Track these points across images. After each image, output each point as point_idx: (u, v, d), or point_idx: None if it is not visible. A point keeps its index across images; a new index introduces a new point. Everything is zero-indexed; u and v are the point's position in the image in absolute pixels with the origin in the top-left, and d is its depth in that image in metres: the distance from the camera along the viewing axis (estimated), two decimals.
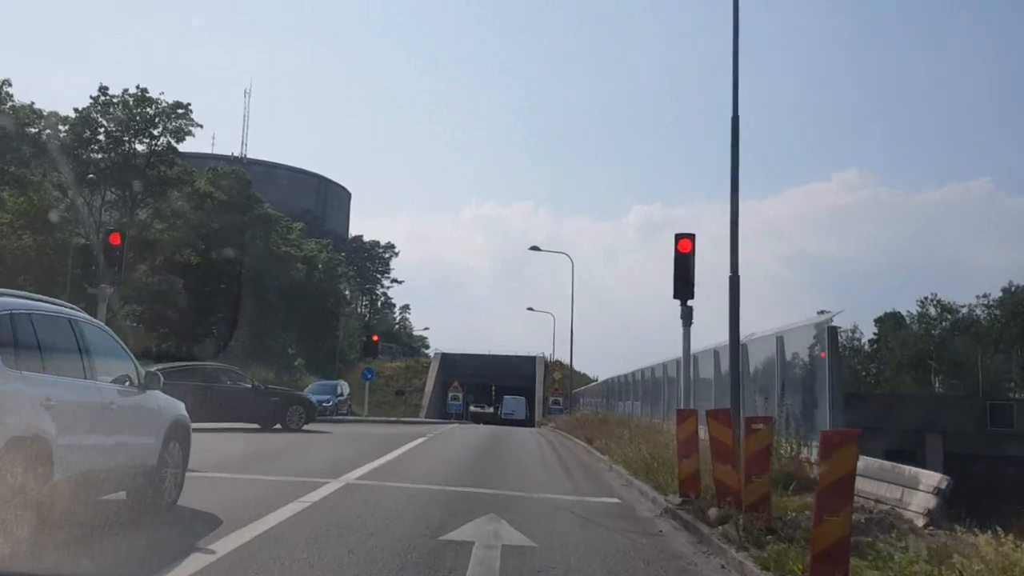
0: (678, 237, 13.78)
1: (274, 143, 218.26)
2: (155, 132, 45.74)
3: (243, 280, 52.63)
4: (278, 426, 23.44)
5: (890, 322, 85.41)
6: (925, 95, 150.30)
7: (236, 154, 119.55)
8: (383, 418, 44.78)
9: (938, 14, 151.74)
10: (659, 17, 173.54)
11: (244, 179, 54.41)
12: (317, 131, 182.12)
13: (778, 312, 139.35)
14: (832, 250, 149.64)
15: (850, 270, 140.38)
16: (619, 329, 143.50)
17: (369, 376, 41.15)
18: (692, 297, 13.67)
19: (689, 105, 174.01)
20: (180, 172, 47.31)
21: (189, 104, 45.77)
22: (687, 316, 13.76)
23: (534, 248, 45.85)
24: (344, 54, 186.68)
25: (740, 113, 12.41)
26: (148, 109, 45.12)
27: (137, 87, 45.42)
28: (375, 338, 50.24)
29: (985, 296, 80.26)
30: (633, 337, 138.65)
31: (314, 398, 39.42)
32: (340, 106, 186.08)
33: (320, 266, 67.01)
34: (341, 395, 42.28)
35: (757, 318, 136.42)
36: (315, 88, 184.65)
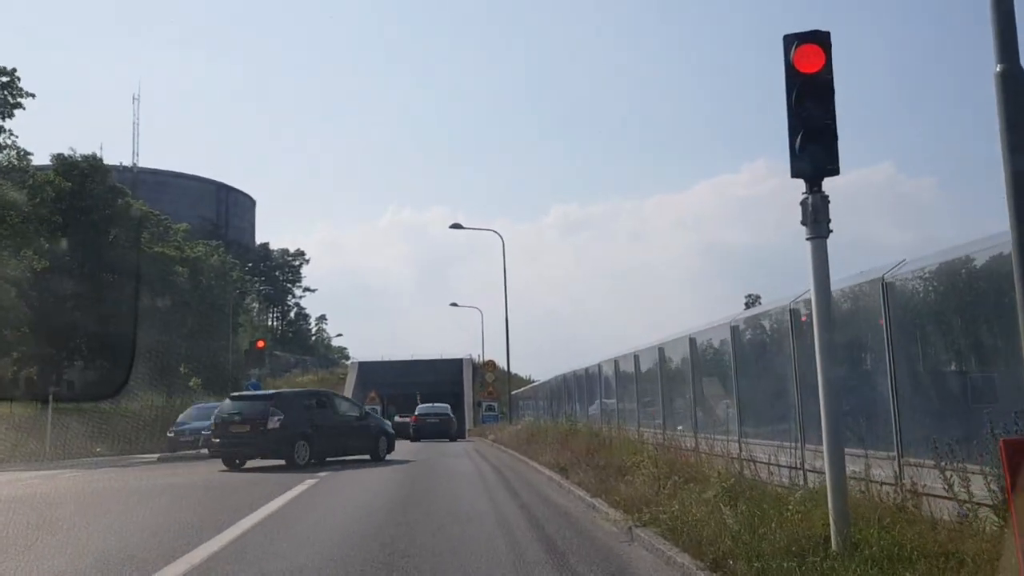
0: (794, 41, 6.20)
1: (174, 154, 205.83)
2: None
3: (109, 288, 43.65)
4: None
5: None
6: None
7: (125, 163, 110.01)
8: None
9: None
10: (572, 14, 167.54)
11: (101, 168, 45.08)
12: (223, 144, 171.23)
13: (701, 301, 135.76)
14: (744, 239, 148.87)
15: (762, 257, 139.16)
16: (548, 328, 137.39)
17: (254, 389, 32.69)
18: (834, 166, 6.13)
19: (605, 100, 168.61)
20: (11, 156, 37.91)
21: (15, 70, 36.49)
22: (818, 210, 6.19)
23: (456, 226, 38.07)
24: (247, 61, 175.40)
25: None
26: None
27: None
28: (260, 344, 41.11)
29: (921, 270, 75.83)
30: (563, 337, 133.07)
31: (187, 426, 31.20)
32: (245, 117, 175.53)
33: (208, 272, 57.82)
34: None
35: (678, 311, 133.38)
36: (216, 98, 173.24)
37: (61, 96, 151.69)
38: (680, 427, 14.25)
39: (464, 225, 39.28)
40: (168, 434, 31.76)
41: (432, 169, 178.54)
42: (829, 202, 6.23)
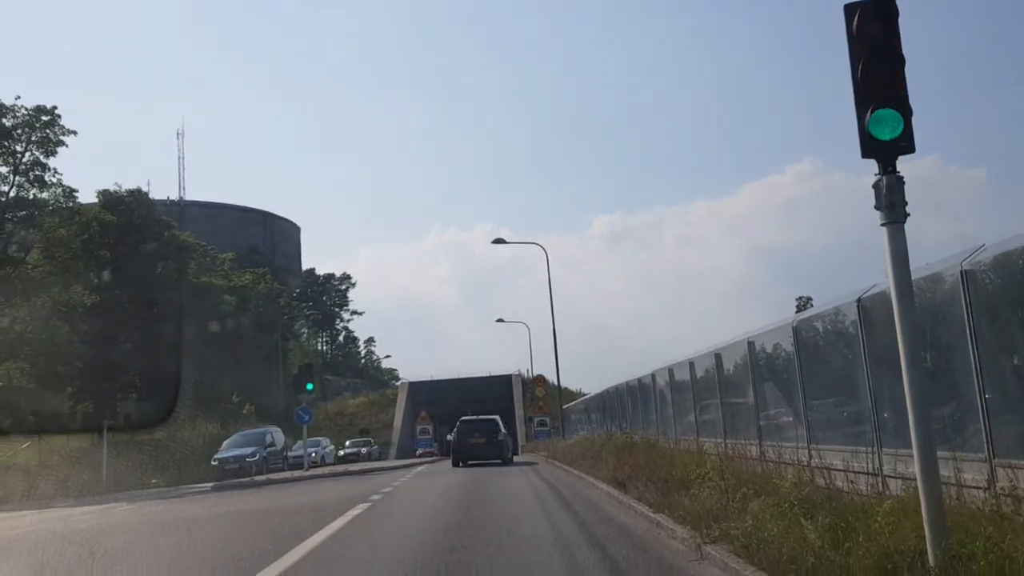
0: (856, 10, 5.67)
1: (218, 186, 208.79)
2: (17, 148, 36.80)
3: (160, 320, 43.91)
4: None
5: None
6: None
7: (172, 198, 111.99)
8: (336, 469, 36.21)
9: None
10: (610, 25, 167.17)
11: (146, 202, 45.48)
12: (266, 173, 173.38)
13: (752, 310, 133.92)
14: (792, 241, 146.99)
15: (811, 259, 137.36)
16: (597, 340, 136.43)
17: (306, 418, 32.25)
18: (909, 143, 5.60)
19: (644, 107, 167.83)
20: (57, 194, 38.37)
21: (55, 108, 36.95)
22: (893, 192, 5.65)
23: (499, 241, 37.67)
24: (286, 89, 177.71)
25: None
26: (3, 120, 36.19)
27: None
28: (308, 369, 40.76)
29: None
30: (613, 348, 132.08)
31: (229, 454, 31.23)
32: (286, 145, 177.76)
33: (256, 299, 58.09)
34: (273, 445, 33.75)
35: (727, 318, 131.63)
36: (256, 127, 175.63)
37: (107, 134, 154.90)
38: (742, 435, 13.60)
39: (507, 240, 38.74)
40: (212, 463, 31.99)
41: (474, 187, 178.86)
42: (904, 183, 5.70)
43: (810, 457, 10.60)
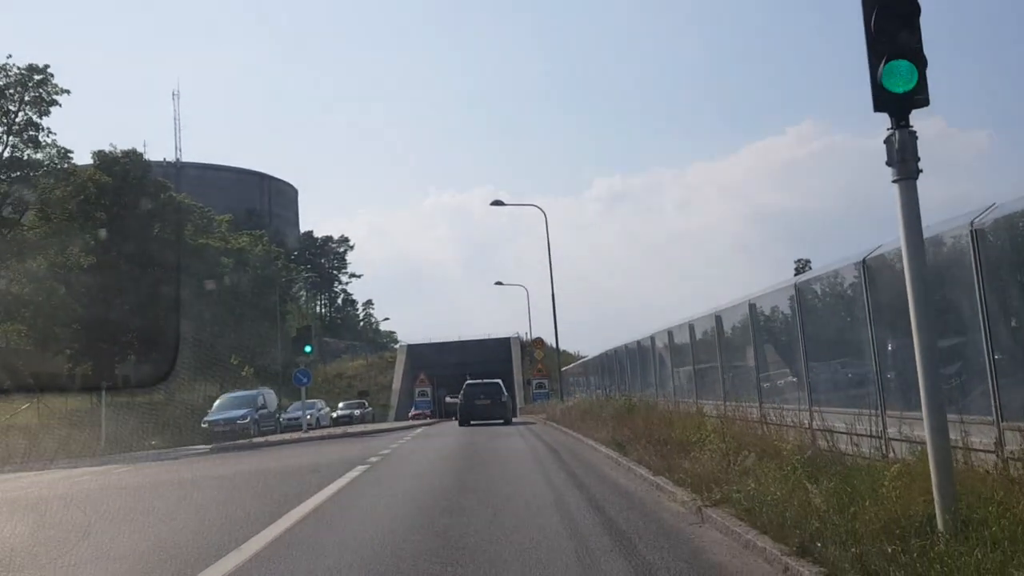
0: None
1: (216, 148, 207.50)
2: (10, 108, 36.33)
3: (157, 282, 43.66)
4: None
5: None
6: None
7: (168, 159, 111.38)
8: (334, 431, 36.23)
9: None
10: None
11: (142, 163, 45.02)
12: (264, 135, 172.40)
13: (750, 271, 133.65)
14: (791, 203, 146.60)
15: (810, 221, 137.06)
16: (595, 303, 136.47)
17: (304, 380, 32.29)
18: (924, 95, 5.39)
19: (642, 68, 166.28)
20: (52, 155, 37.99)
21: (48, 66, 36.43)
22: (906, 147, 5.46)
23: (497, 203, 37.37)
24: (284, 50, 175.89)
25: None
26: None
27: None
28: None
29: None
30: (611, 311, 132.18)
31: (219, 416, 30.89)
32: (283, 106, 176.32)
33: (254, 261, 57.85)
34: (264, 407, 33.52)
35: (725, 280, 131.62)
36: (254, 89, 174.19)
37: (103, 96, 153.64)
38: (744, 398, 13.49)
39: (505, 202, 38.42)
40: (202, 425, 31.74)
41: (472, 150, 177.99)
42: (917, 138, 5.50)
43: (811, 420, 10.49)
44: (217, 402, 33.86)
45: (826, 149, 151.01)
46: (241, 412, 31.73)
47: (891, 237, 8.10)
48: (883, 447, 8.44)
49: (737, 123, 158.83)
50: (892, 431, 8.55)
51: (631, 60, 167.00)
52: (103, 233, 42.05)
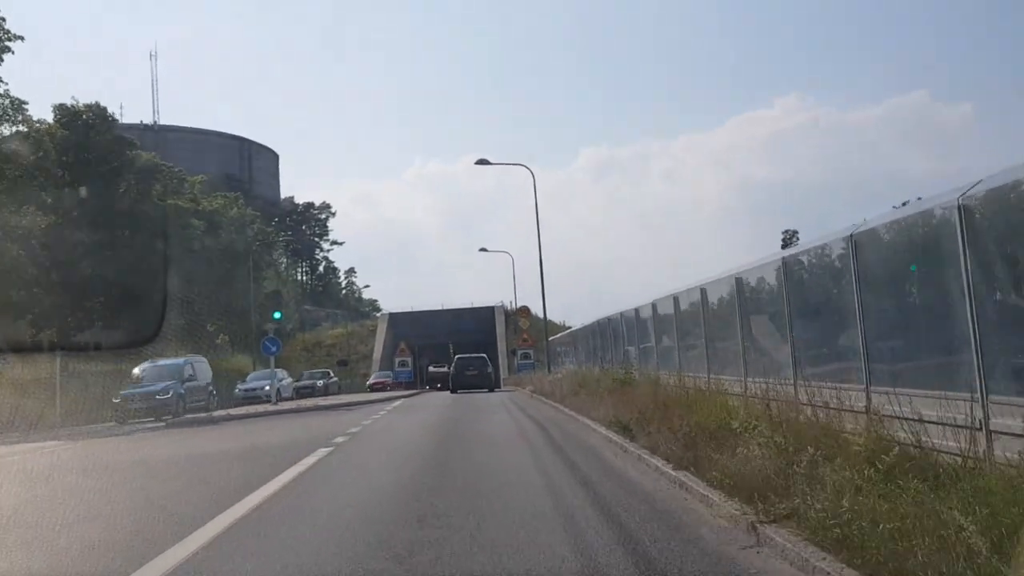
0: None
1: (198, 113, 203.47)
2: None
3: (123, 245, 41.25)
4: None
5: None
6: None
7: (146, 122, 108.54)
8: (303, 403, 34.20)
9: None
10: None
11: (106, 118, 42.39)
12: (246, 100, 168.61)
13: (735, 241, 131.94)
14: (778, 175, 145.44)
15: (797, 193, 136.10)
16: (581, 274, 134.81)
17: (273, 349, 29.98)
18: None
19: (631, 36, 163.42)
20: (4, 105, 35.41)
21: None
22: None
23: (482, 161, 35.10)
24: (265, 12, 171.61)
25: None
26: None
27: None
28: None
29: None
30: (597, 281, 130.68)
31: (136, 390, 26.77)
32: (266, 71, 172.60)
33: (227, 224, 55.44)
34: (193, 379, 28.31)
35: (713, 251, 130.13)
36: (238, 52, 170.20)
37: (79, 57, 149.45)
38: (771, 375, 11.50)
39: (491, 161, 36.19)
40: (114, 400, 26.90)
41: (458, 118, 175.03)
42: None
43: (868, 402, 8.51)
44: (136, 371, 28.08)
45: (811, 121, 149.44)
46: (161, 386, 26.29)
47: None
48: (987, 443, 6.44)
49: (726, 94, 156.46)
50: (996, 421, 6.57)
51: (621, 31, 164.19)
52: (67, 193, 39.66)
